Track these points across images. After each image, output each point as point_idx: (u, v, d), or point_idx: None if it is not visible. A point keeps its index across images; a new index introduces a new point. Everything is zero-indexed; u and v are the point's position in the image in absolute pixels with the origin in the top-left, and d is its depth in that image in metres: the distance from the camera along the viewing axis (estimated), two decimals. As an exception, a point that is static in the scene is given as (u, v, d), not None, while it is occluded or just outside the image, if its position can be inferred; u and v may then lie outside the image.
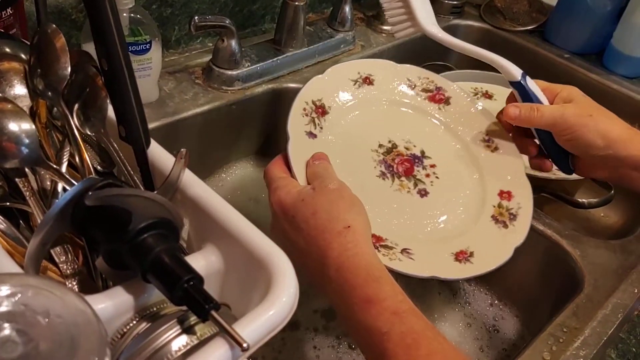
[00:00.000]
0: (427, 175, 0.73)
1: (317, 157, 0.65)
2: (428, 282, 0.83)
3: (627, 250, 0.75)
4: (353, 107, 0.76)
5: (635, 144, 0.68)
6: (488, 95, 1.05)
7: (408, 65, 0.81)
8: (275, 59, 0.94)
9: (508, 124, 0.76)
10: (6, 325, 0.31)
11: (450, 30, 1.23)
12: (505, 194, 0.71)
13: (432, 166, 0.74)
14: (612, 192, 0.88)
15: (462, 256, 0.65)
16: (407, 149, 0.75)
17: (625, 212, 1.07)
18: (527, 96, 0.73)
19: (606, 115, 0.71)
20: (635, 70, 1.12)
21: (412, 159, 0.74)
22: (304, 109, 0.72)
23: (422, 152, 0.75)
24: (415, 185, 0.72)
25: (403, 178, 0.72)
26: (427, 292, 0.82)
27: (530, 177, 0.85)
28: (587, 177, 0.76)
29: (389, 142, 0.75)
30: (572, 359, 0.61)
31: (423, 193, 0.72)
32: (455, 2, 1.23)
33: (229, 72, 0.89)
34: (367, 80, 0.78)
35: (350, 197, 0.58)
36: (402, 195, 0.71)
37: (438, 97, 0.80)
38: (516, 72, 0.73)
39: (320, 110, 0.73)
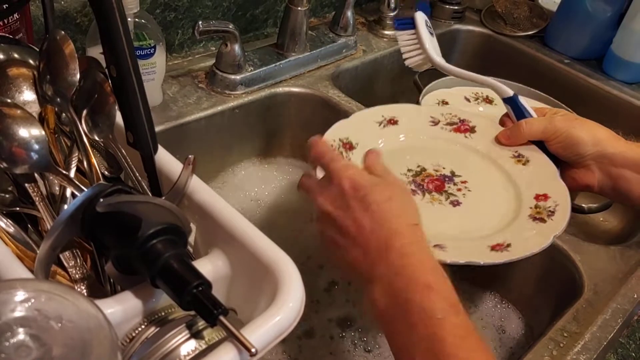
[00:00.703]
0: (459, 190, 0.74)
1: (374, 151, 0.67)
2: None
3: (626, 255, 0.75)
4: (379, 141, 0.79)
5: (622, 142, 0.72)
6: (488, 100, 1.06)
7: (430, 105, 0.89)
8: (278, 63, 0.94)
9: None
10: (20, 330, 0.32)
11: (451, 35, 1.24)
12: (541, 197, 0.72)
13: (464, 182, 0.75)
14: (612, 197, 0.88)
15: (498, 247, 0.65)
16: (436, 170, 0.76)
17: (625, 217, 1.08)
18: (519, 110, 0.79)
19: (592, 121, 0.75)
20: (635, 76, 1.13)
21: (442, 178, 0.75)
22: (331, 146, 0.73)
23: (452, 172, 0.76)
24: (447, 197, 0.73)
25: (434, 193, 0.73)
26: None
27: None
28: (578, 188, 0.76)
29: (418, 166, 0.77)
30: (572, 364, 0.62)
31: (455, 203, 0.72)
32: (456, 7, 1.23)
33: (232, 77, 0.89)
34: (392, 121, 0.81)
35: (413, 200, 0.61)
36: (433, 206, 0.71)
37: (463, 128, 0.82)
38: (508, 90, 0.81)
39: (348, 145, 0.75)
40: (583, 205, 0.86)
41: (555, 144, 0.74)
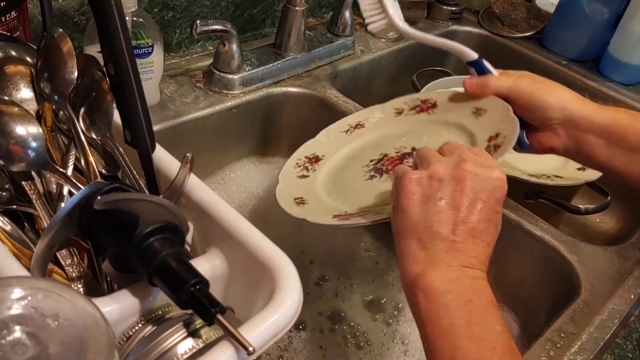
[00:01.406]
0: None
1: None
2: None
3: (623, 256, 0.75)
4: (344, 146, 0.81)
5: (588, 105, 0.70)
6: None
7: (394, 100, 0.85)
8: (275, 63, 0.94)
9: None
10: (17, 327, 0.32)
11: (449, 35, 1.24)
12: (493, 137, 0.70)
13: None
14: (609, 198, 0.89)
15: None
16: (397, 152, 0.76)
17: (621, 218, 1.08)
18: (483, 73, 0.77)
19: (558, 84, 0.73)
20: (632, 78, 1.13)
21: (402, 157, 0.75)
22: (296, 164, 0.76)
23: (413, 148, 0.75)
24: None
25: (391, 172, 0.72)
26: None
27: (528, 183, 0.86)
28: (544, 151, 0.74)
29: (380, 154, 0.76)
30: (569, 364, 0.62)
31: None
32: (454, 9, 1.23)
33: (230, 76, 0.89)
34: (358, 126, 0.83)
35: None
36: (388, 183, 0.70)
37: (425, 107, 0.82)
38: (473, 53, 0.79)
39: (314, 159, 0.78)
40: (580, 206, 0.86)
41: (520, 106, 0.71)
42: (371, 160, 0.76)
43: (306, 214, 0.67)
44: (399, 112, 0.83)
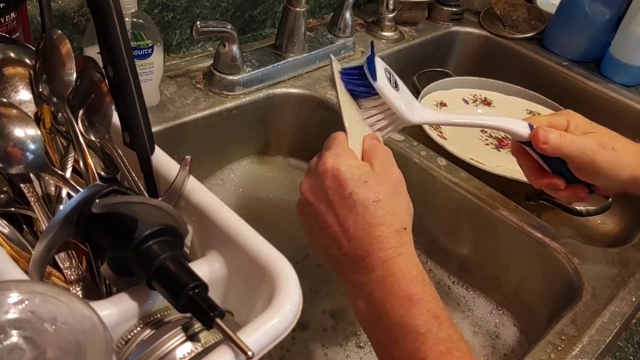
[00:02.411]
0: None
1: (374, 136, 0.62)
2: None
3: (625, 258, 0.75)
4: None
5: None
6: (487, 102, 1.06)
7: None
8: (276, 64, 0.94)
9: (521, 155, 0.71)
10: (14, 332, 0.31)
11: (450, 37, 1.24)
12: None
13: None
14: (610, 199, 0.88)
15: None
16: None
17: (623, 219, 1.08)
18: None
19: (627, 147, 0.67)
20: (633, 79, 1.13)
21: None
22: None
23: None
24: None
25: None
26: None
27: (529, 185, 0.85)
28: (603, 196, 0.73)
29: None
30: (570, 367, 0.61)
31: None
32: (454, 9, 1.23)
33: (230, 77, 0.89)
34: None
35: (406, 194, 0.58)
36: None
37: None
38: (524, 129, 0.67)
39: None
40: (581, 207, 0.86)
41: (584, 172, 0.67)
42: None
43: None
44: None
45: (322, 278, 0.81)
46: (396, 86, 0.64)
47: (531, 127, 0.66)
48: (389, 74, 0.65)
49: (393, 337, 0.50)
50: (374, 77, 0.62)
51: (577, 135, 0.66)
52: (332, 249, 0.54)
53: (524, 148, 0.69)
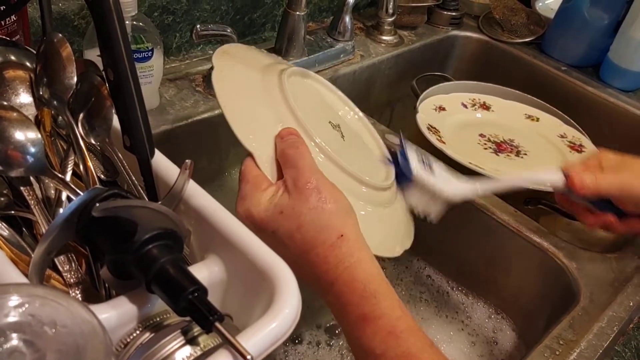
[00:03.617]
0: None
1: (286, 133, 0.57)
2: (430, 305, 0.84)
3: (622, 263, 0.75)
4: None
5: None
6: (486, 107, 1.06)
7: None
8: (275, 67, 0.94)
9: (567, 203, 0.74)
10: (14, 335, 0.32)
11: (449, 41, 1.24)
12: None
13: None
14: (608, 204, 0.88)
15: None
16: None
17: (620, 224, 1.08)
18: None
19: None
20: (632, 84, 1.13)
21: None
22: None
23: None
24: None
25: None
26: (430, 315, 0.83)
27: (527, 190, 0.86)
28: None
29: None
30: (568, 372, 0.62)
31: None
32: (454, 14, 1.23)
33: (230, 80, 0.89)
34: None
35: (332, 195, 0.52)
36: None
37: None
38: (559, 180, 0.70)
39: None
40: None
41: (628, 204, 0.69)
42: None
43: None
44: None
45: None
46: (432, 170, 0.69)
47: (566, 175, 0.69)
48: (422, 160, 0.69)
49: (358, 358, 0.50)
50: (409, 173, 0.67)
51: (611, 174, 0.68)
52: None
53: (568, 196, 0.71)
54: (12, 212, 0.46)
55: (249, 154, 0.56)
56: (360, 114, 0.75)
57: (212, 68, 0.61)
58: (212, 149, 0.90)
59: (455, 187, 0.68)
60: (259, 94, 0.61)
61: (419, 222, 0.84)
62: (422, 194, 0.68)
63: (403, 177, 0.68)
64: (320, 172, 0.54)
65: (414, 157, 0.68)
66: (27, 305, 0.33)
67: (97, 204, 0.39)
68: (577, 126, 1.03)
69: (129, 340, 0.41)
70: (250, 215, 0.52)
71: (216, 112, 0.87)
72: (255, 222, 0.52)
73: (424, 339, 0.49)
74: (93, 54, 0.74)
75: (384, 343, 0.47)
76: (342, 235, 0.51)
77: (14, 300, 0.33)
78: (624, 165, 0.69)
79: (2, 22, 0.62)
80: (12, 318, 0.32)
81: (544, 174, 0.71)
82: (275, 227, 0.51)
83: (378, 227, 0.62)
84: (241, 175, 0.55)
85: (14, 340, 0.31)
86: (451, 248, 0.86)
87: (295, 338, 0.76)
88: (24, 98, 0.51)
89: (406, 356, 0.47)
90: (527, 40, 1.22)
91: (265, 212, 0.52)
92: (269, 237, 0.51)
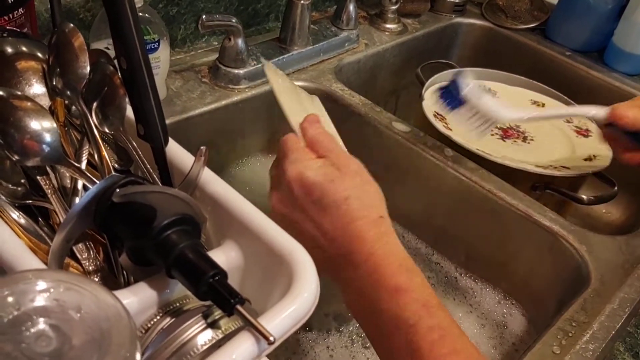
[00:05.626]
0: None
1: (311, 119, 0.60)
2: (437, 290, 0.84)
3: (632, 245, 0.76)
4: None
5: None
6: (491, 93, 1.06)
7: None
8: (281, 57, 0.94)
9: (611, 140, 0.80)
10: (40, 320, 0.32)
11: (453, 28, 1.24)
12: None
13: None
14: (616, 188, 0.89)
15: None
16: None
17: (627, 208, 1.09)
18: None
19: None
20: (637, 68, 1.13)
21: None
22: None
23: None
24: None
25: None
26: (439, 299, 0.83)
27: (535, 175, 0.86)
28: None
29: None
30: (581, 353, 0.62)
31: None
32: (457, 1, 1.23)
33: (236, 71, 0.89)
34: None
35: (370, 179, 0.56)
36: None
37: None
38: (602, 112, 0.77)
39: None
40: (590, 196, 0.86)
41: None
42: None
43: None
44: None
45: (324, 281, 0.81)
46: (482, 95, 0.79)
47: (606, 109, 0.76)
48: (474, 86, 0.79)
49: (386, 330, 0.50)
50: (461, 91, 0.78)
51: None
52: (315, 253, 0.52)
53: (612, 133, 0.78)
54: (30, 201, 0.46)
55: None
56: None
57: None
58: (219, 140, 0.90)
59: (504, 111, 0.79)
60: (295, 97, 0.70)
61: (428, 209, 0.84)
62: (471, 116, 0.79)
63: (455, 101, 0.79)
64: (353, 157, 0.57)
65: (467, 83, 0.79)
66: (52, 290, 0.33)
67: (118, 190, 0.39)
68: (583, 111, 1.03)
69: (149, 325, 0.41)
70: (304, 177, 0.54)
71: (223, 102, 0.87)
72: (306, 184, 0.54)
73: (451, 317, 0.50)
74: (99, 47, 0.74)
75: (417, 314, 0.48)
76: (381, 217, 0.54)
77: (40, 285, 0.33)
78: None
79: (10, 15, 0.63)
80: (39, 302, 0.32)
81: (587, 107, 0.78)
82: (322, 194, 0.53)
83: None
84: (287, 145, 0.57)
85: (41, 325, 0.32)
86: (459, 233, 0.86)
87: (304, 325, 0.76)
88: (37, 89, 0.51)
89: (438, 328, 0.48)
90: (530, 26, 1.22)
91: (317, 177, 0.54)
92: (312, 201, 0.53)
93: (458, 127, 0.84)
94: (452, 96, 0.79)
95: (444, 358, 0.47)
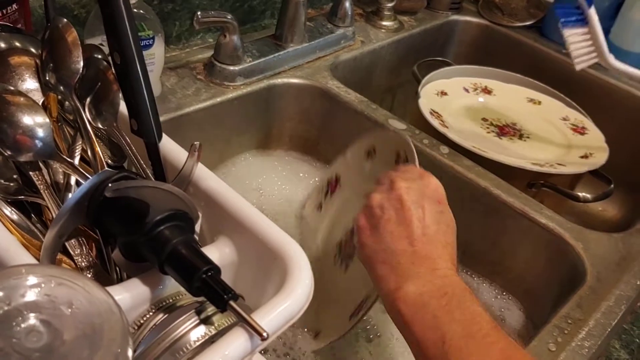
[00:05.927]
0: None
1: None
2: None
3: (628, 242, 0.76)
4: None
5: None
6: (487, 91, 1.06)
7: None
8: (276, 54, 0.94)
9: None
10: (31, 315, 0.31)
11: (449, 26, 1.24)
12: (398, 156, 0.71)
13: None
14: (612, 186, 0.89)
15: None
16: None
17: (623, 206, 1.09)
18: None
19: None
20: (633, 65, 1.12)
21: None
22: None
23: None
24: None
25: None
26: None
27: (531, 172, 0.86)
28: None
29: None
30: (577, 350, 0.62)
31: None
32: (453, -2, 1.23)
33: (231, 68, 0.89)
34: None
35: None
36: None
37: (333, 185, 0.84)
38: None
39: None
40: (585, 194, 0.86)
41: None
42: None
43: None
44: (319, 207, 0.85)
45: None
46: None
47: None
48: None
49: (449, 312, 0.51)
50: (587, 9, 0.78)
51: None
52: (403, 242, 0.56)
53: None
54: (22, 197, 0.46)
55: None
56: None
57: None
58: (214, 136, 0.90)
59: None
60: None
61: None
62: (582, 40, 0.80)
63: (573, 17, 0.79)
64: None
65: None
66: (43, 286, 0.33)
67: (110, 185, 0.39)
68: (580, 108, 1.03)
69: (142, 321, 0.41)
70: (441, 188, 0.60)
71: (218, 99, 0.87)
72: (441, 195, 0.59)
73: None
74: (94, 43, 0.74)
75: (454, 287, 0.52)
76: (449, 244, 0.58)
77: (30, 280, 0.33)
78: None
79: (4, 11, 0.62)
80: (30, 298, 0.32)
81: None
82: (445, 210, 0.59)
83: None
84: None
85: (31, 320, 0.31)
86: (457, 230, 0.86)
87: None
88: (30, 84, 0.51)
89: (470, 301, 0.52)
90: (527, 23, 1.22)
91: (445, 198, 0.59)
92: (435, 209, 0.58)
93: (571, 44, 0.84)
94: (571, 12, 0.80)
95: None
